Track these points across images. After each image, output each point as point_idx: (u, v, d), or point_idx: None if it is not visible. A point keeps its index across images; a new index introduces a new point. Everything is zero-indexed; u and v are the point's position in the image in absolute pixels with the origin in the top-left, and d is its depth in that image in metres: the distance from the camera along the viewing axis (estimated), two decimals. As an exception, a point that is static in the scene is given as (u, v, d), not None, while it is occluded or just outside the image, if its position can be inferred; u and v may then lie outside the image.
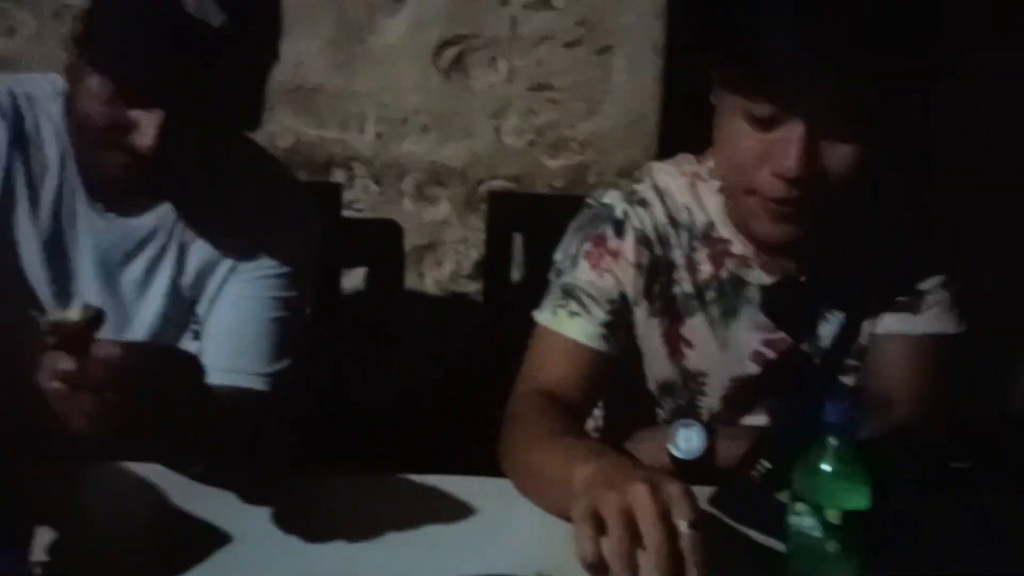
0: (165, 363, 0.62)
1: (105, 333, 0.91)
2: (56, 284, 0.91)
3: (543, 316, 0.95)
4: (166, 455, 0.77)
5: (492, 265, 1.47)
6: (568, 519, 0.75)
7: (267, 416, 0.92)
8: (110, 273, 0.92)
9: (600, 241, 0.94)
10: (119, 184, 0.84)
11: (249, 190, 0.96)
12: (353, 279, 1.53)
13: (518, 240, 1.47)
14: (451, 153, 1.56)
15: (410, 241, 1.57)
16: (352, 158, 1.56)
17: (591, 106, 1.55)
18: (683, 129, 1.56)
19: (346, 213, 1.47)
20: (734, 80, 0.82)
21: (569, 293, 0.93)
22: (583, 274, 0.93)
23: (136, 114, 0.79)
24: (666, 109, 1.55)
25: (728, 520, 0.79)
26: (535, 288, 1.49)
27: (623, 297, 0.93)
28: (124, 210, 0.91)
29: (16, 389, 0.91)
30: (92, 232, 0.91)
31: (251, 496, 0.82)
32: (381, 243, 1.54)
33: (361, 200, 1.58)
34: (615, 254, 0.93)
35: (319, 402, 1.25)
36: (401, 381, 1.55)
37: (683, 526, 0.58)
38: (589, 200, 0.99)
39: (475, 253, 1.62)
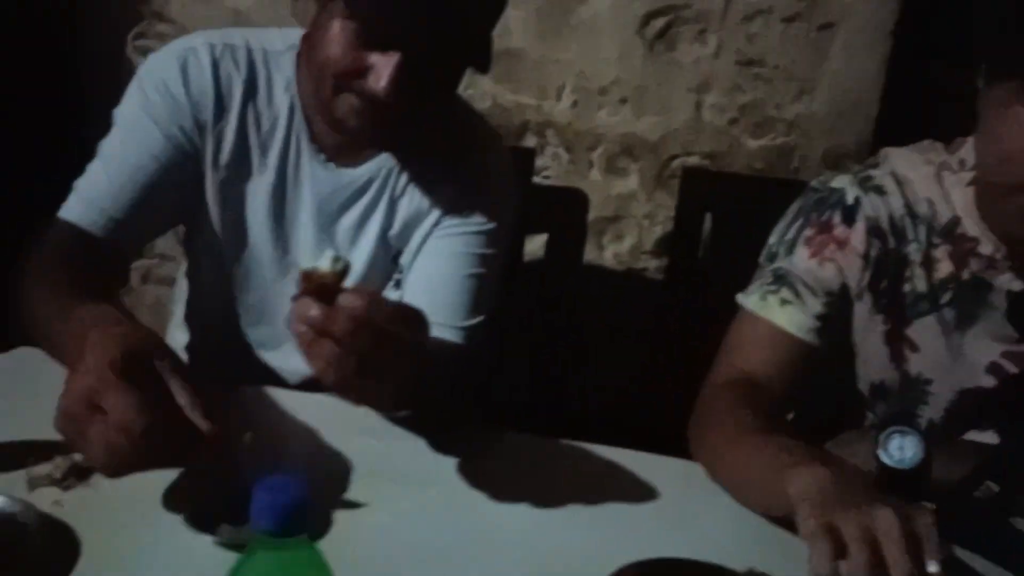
0: (399, 317, 0.63)
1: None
2: (277, 231, 0.96)
3: (750, 301, 0.90)
4: (382, 400, 0.79)
5: (679, 243, 1.43)
6: (768, 517, 0.72)
7: (463, 369, 0.94)
8: (327, 222, 0.96)
9: (825, 228, 0.88)
10: (351, 129, 0.86)
11: (461, 147, 0.97)
12: (532, 245, 1.53)
13: (707, 219, 1.42)
14: (646, 126, 1.52)
15: (594, 212, 1.55)
16: (546, 125, 1.56)
17: (803, 86, 1.46)
18: (904, 116, 1.45)
19: (534, 180, 1.47)
20: (1013, 66, 0.73)
21: (782, 279, 0.88)
22: (801, 261, 0.88)
23: (374, 58, 0.81)
24: (886, 95, 1.44)
25: (951, 544, 0.72)
26: (721, 269, 1.44)
27: (844, 289, 0.87)
28: (344, 161, 0.95)
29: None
30: (313, 182, 0.95)
31: (442, 444, 0.83)
32: (565, 212, 1.53)
33: (550, 167, 1.58)
34: (841, 243, 0.87)
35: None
36: (578, 353, 1.54)
37: (933, 567, 0.54)
38: (815, 184, 0.92)
39: (659, 229, 1.58)
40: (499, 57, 1.53)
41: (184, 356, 1.08)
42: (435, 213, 0.96)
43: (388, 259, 0.99)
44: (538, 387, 1.36)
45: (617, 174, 1.56)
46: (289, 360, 0.97)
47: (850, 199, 0.87)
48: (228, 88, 0.92)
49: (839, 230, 0.87)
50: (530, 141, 1.57)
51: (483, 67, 0.87)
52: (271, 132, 0.94)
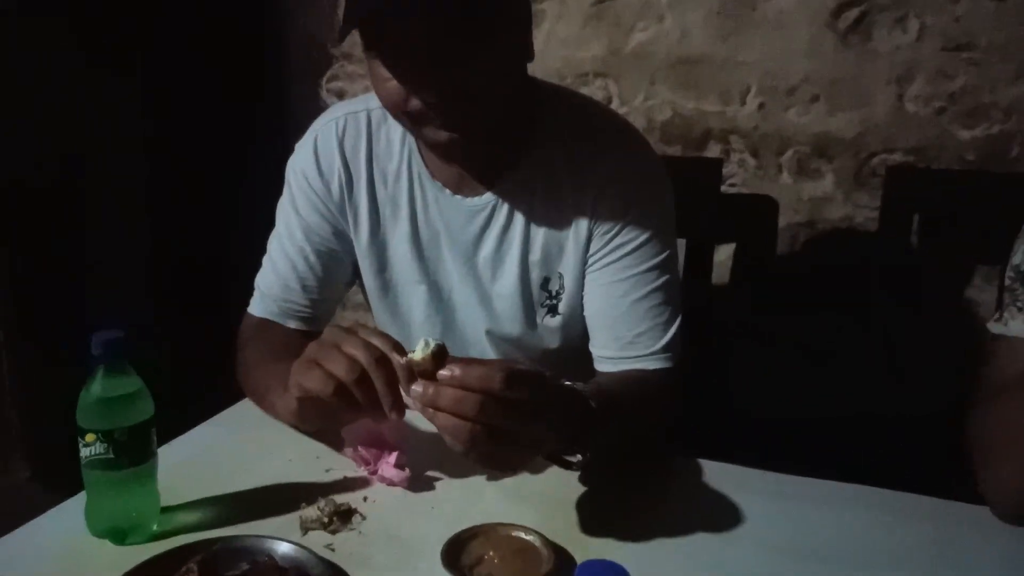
0: (513, 380, 0.62)
1: (472, 315, 0.97)
2: (423, 273, 0.97)
3: (1002, 328, 0.81)
4: (521, 464, 0.73)
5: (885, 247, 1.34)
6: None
7: (674, 391, 0.91)
8: (466, 255, 0.96)
9: None
10: (445, 145, 0.83)
11: (588, 154, 0.91)
12: (720, 256, 1.49)
13: (915, 220, 1.32)
14: (842, 123, 1.44)
15: (785, 218, 1.49)
16: (730, 131, 1.51)
17: (1021, 67, 1.32)
18: None
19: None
20: None
21: None
22: None
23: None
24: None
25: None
26: (933, 275, 1.34)
27: None
28: (468, 192, 0.93)
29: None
30: (443, 217, 0.95)
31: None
32: (754, 219, 1.48)
33: (736, 175, 1.53)
34: None
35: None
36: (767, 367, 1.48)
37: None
38: None
39: (859, 233, 1.48)
40: (678, 65, 1.51)
41: None
42: (580, 232, 0.92)
43: (534, 286, 0.96)
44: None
45: (809, 176, 1.49)
46: None
47: None
48: (354, 158, 0.96)
49: None
50: (713, 150, 1.53)
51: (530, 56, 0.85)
52: (396, 182, 0.96)
